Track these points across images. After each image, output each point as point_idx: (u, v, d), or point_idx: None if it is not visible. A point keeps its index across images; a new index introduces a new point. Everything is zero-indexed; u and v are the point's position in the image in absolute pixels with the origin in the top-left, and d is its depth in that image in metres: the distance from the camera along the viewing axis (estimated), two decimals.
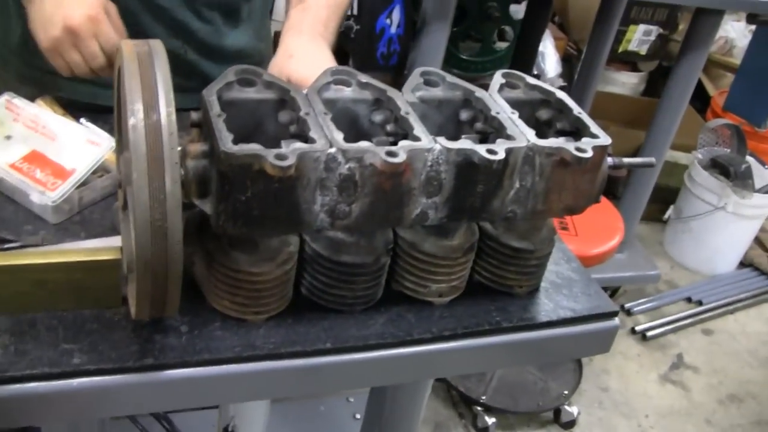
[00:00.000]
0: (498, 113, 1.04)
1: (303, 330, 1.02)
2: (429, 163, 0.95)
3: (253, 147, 0.86)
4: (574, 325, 1.16)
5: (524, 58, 2.80)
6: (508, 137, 1.00)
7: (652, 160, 1.19)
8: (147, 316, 0.88)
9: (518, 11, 3.31)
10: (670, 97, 2.73)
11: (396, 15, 2.10)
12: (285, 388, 1.03)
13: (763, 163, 3.46)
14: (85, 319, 0.97)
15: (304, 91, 1.00)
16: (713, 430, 2.73)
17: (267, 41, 1.60)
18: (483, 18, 3.11)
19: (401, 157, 0.90)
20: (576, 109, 1.10)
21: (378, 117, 1.05)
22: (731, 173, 3.30)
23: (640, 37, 3.87)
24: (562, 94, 1.14)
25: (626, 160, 1.15)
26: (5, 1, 1.40)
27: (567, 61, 4.09)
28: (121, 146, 0.98)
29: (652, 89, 4.41)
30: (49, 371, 0.89)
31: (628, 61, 4.19)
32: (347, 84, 1.05)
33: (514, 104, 1.10)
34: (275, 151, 0.86)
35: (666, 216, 3.67)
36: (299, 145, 0.88)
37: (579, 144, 1.02)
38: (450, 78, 1.11)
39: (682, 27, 3.96)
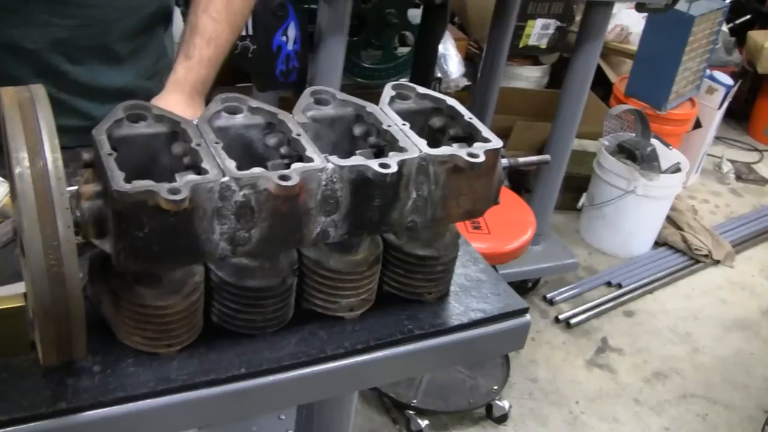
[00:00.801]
0: (389, 126, 1.07)
1: (216, 357, 1.02)
2: (324, 183, 0.96)
3: (145, 183, 0.86)
4: (486, 325, 1.19)
5: (425, 61, 2.84)
6: (401, 149, 1.02)
7: (547, 157, 1.24)
8: (55, 361, 0.87)
9: (417, 16, 3.36)
10: (571, 87, 2.81)
11: (291, 31, 2.11)
12: (203, 418, 1.03)
13: (667, 145, 3.59)
14: None
15: (195, 122, 1.01)
16: (642, 408, 2.82)
17: (159, 79, 1.56)
18: (382, 25, 3.15)
19: (294, 180, 0.92)
20: (467, 114, 1.14)
21: (271, 140, 1.06)
22: (638, 157, 3.41)
23: (539, 31, 3.95)
24: (452, 101, 1.17)
25: (521, 159, 1.19)
26: None
27: (470, 60, 4.16)
28: (13, 193, 0.97)
29: (556, 81, 4.52)
30: None
31: (530, 56, 4.29)
32: (238, 111, 1.06)
33: (406, 115, 1.12)
34: (167, 185, 0.86)
35: (579, 204, 3.77)
36: (191, 177, 0.89)
37: (471, 150, 1.05)
38: (340, 95, 1.13)
39: (579, 18, 4.07)
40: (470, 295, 1.22)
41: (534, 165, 1.25)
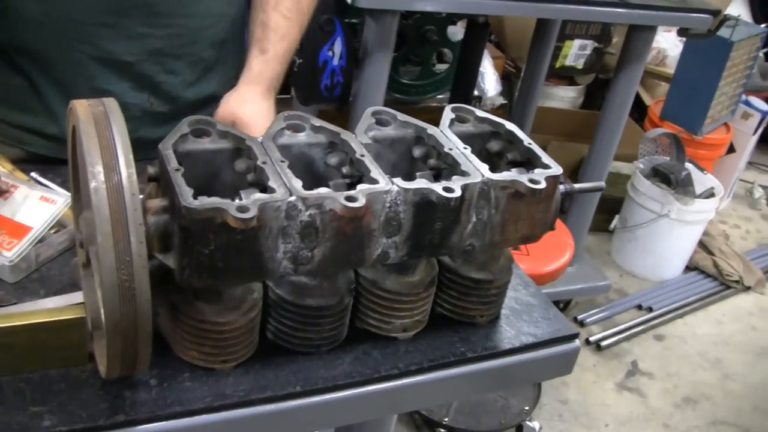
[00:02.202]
0: (451, 149, 1.07)
1: (272, 375, 1.02)
2: (387, 204, 0.96)
3: (215, 201, 0.86)
4: (537, 350, 1.18)
5: (465, 79, 2.85)
6: (463, 173, 1.02)
7: (601, 184, 1.23)
8: (117, 374, 0.87)
9: (456, 33, 3.38)
10: (610, 110, 2.80)
11: (338, 47, 2.12)
12: None
13: (701, 169, 3.57)
14: (52, 379, 0.96)
15: (259, 139, 1.01)
16: None
17: None
18: (421, 42, 3.16)
19: (361, 202, 0.92)
20: (526, 140, 1.13)
21: (333, 159, 1.06)
22: (672, 181, 3.39)
23: (576, 52, 3.95)
24: (511, 126, 1.17)
25: (577, 186, 1.19)
26: None
27: (506, 78, 4.16)
28: (80, 205, 0.98)
29: (590, 101, 4.51)
30: None
31: (566, 76, 4.28)
32: (301, 129, 1.06)
33: (465, 138, 1.12)
34: (237, 203, 0.87)
35: (612, 226, 3.75)
36: (260, 195, 0.89)
37: (532, 176, 1.05)
38: (401, 116, 1.13)
39: (616, 40, 4.07)
40: (521, 319, 1.22)
41: (589, 191, 1.24)
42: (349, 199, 0.92)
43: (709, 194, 3.49)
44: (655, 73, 4.22)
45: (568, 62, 4.03)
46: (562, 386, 2.86)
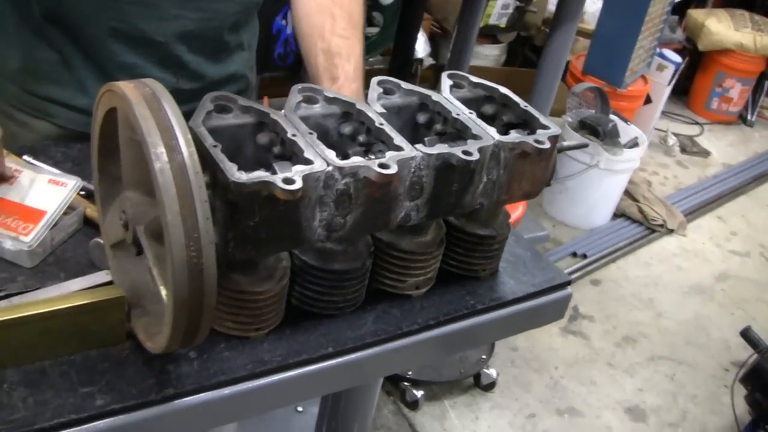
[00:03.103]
0: (458, 115, 1.12)
1: (303, 339, 1.07)
2: (412, 170, 1.01)
3: (261, 174, 0.89)
4: (537, 298, 1.26)
5: (406, 42, 2.88)
6: (474, 137, 1.08)
7: (586, 142, 1.31)
8: (175, 349, 0.90)
9: None
10: (547, 68, 2.90)
11: (291, 15, 2.12)
12: (297, 396, 1.08)
13: (625, 121, 3.72)
14: (94, 360, 0.97)
15: (282, 112, 1.04)
16: (616, 371, 2.95)
17: (253, 71, 1.63)
18: None
19: (394, 168, 0.96)
20: (522, 102, 1.20)
21: (347, 129, 1.10)
22: (600, 133, 3.53)
23: (498, 11, 4.04)
24: (505, 90, 1.22)
25: (565, 144, 1.26)
26: (4, 28, 1.38)
27: (432, 40, 4.22)
28: (111, 188, 0.99)
29: (512, 59, 4.62)
30: (77, 417, 0.90)
31: (489, 35, 4.37)
32: (314, 101, 1.10)
33: (464, 103, 1.18)
34: (282, 175, 0.90)
35: None
36: (301, 167, 0.92)
37: (537, 137, 1.11)
38: (405, 85, 1.17)
39: None
40: (518, 270, 1.29)
41: (575, 148, 1.32)
42: (383, 166, 0.96)
43: (634, 144, 3.65)
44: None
45: (492, 21, 4.12)
46: None
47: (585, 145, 1.31)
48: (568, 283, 1.31)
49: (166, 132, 0.81)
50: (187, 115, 0.88)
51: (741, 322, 3.22)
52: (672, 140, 4.78)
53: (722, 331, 3.29)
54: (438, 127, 1.15)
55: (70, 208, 1.17)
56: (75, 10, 1.34)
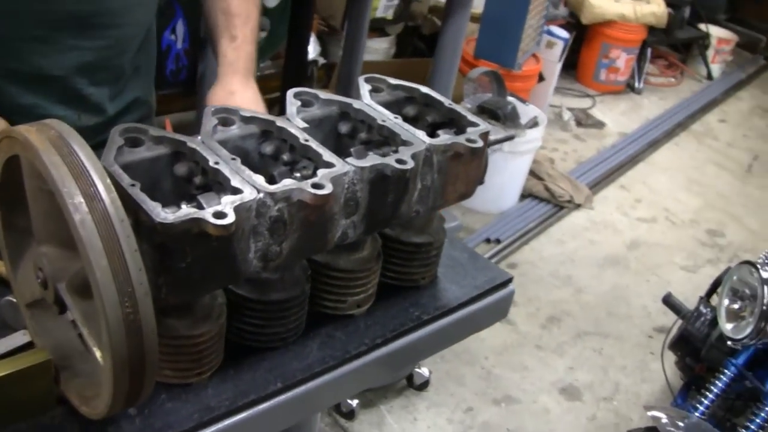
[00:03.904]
0: (384, 121, 1.07)
1: (248, 377, 1.00)
2: (346, 186, 0.96)
3: (189, 211, 0.82)
4: (481, 300, 1.23)
5: (299, 45, 2.81)
6: (405, 143, 1.03)
7: (513, 134, 1.28)
8: (121, 409, 0.82)
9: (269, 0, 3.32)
10: (443, 57, 2.87)
11: (180, 29, 2.03)
12: None
13: (523, 101, 3.75)
14: None
15: (198, 138, 0.96)
16: (545, 353, 2.97)
17: (152, 94, 1.58)
18: None
19: (329, 188, 0.90)
20: (446, 101, 1.16)
21: (268, 149, 1.03)
22: (500, 116, 3.53)
23: (385, 3, 4.01)
24: (426, 89, 1.18)
25: (492, 138, 1.23)
26: None
27: (320, 38, 4.15)
28: (19, 245, 0.90)
29: (402, 50, 4.59)
30: None
31: (377, 28, 4.32)
32: (231, 122, 1.03)
33: (385, 107, 1.12)
34: (211, 209, 0.83)
35: None
36: (231, 197, 0.86)
37: (468, 135, 1.08)
38: (323, 95, 1.12)
39: None
40: (458, 274, 1.26)
41: (502, 141, 1.29)
42: (316, 186, 0.90)
43: (534, 123, 3.68)
44: None
45: (378, 14, 4.07)
46: None
47: (511, 137, 1.28)
48: (510, 280, 1.28)
49: (81, 178, 0.73)
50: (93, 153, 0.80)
51: (657, 288, 3.30)
52: (567, 115, 4.86)
53: (641, 299, 3.36)
54: (363, 135, 1.10)
55: None
56: None
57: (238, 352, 1.02)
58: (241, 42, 1.44)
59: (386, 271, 1.17)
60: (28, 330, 0.94)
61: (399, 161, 0.98)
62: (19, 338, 0.98)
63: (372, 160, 0.98)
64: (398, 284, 1.19)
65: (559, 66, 4.42)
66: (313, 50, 3.78)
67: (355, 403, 2.48)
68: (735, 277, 2.06)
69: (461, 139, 1.06)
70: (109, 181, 0.74)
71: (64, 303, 0.83)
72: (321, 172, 0.93)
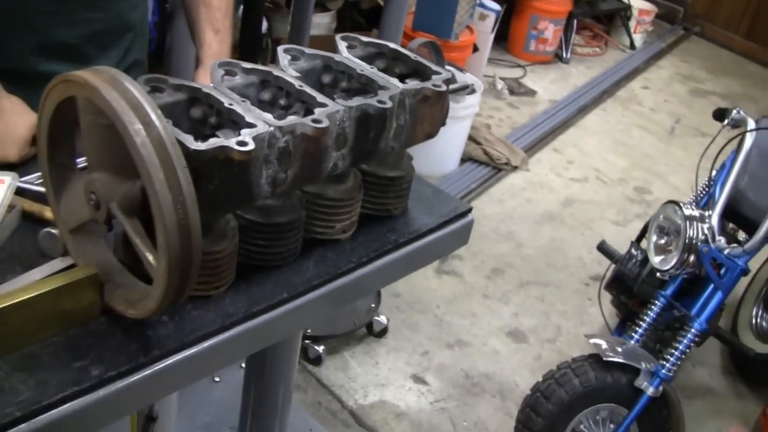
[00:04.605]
0: (363, 71, 1.25)
1: (258, 290, 1.17)
2: (338, 122, 1.13)
3: (217, 141, 0.99)
4: (447, 226, 1.43)
5: (254, 20, 2.96)
6: (382, 87, 1.21)
7: (471, 85, 1.48)
8: (164, 311, 0.99)
9: None
10: (388, 30, 3.04)
11: (150, 2, 2.16)
12: (264, 340, 1.19)
13: (461, 70, 3.94)
14: (77, 338, 1.04)
15: (210, 85, 1.13)
16: (491, 301, 3.20)
17: (145, 53, 1.70)
18: None
19: (326, 122, 1.08)
20: (411, 55, 1.34)
21: (266, 95, 1.20)
22: None
23: None
24: (394, 45, 1.37)
25: (452, 86, 1.42)
26: None
27: (266, 16, 4.28)
28: (68, 175, 1.05)
29: (343, 25, 4.75)
30: (78, 389, 0.97)
31: (318, 3, 4.47)
32: (233, 73, 1.19)
33: (361, 60, 1.31)
34: (235, 139, 1.00)
35: None
36: (249, 130, 1.03)
37: (433, 81, 1.27)
38: (308, 50, 1.29)
39: None
40: (425, 206, 1.45)
41: (460, 90, 1.48)
42: (315, 121, 1.08)
43: (471, 90, 3.88)
44: None
45: None
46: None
47: (466, 87, 1.48)
48: (470, 210, 1.48)
49: (137, 109, 0.89)
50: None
51: (591, 241, 3.55)
52: (500, 84, 5.09)
53: (577, 251, 3.61)
54: (344, 84, 1.28)
55: (10, 206, 1.21)
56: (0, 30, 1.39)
57: (247, 271, 1.19)
58: (224, 35, 1.59)
59: (365, 202, 1.35)
60: (71, 253, 1.10)
61: (380, 101, 1.17)
62: (58, 264, 1.13)
63: (358, 101, 1.16)
64: (376, 214, 1.37)
65: (491, 37, 4.63)
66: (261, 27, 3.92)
67: (321, 349, 2.67)
68: (662, 216, 2.30)
69: (428, 84, 1.25)
70: (159, 111, 0.90)
71: (111, 222, 0.99)
72: (317, 110, 1.11)
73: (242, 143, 1.00)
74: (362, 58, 1.33)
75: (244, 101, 1.10)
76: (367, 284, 1.31)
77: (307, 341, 2.67)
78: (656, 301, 2.30)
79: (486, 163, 4.15)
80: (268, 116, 1.07)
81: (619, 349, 2.21)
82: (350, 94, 1.26)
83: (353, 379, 2.68)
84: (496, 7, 4.60)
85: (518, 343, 3.01)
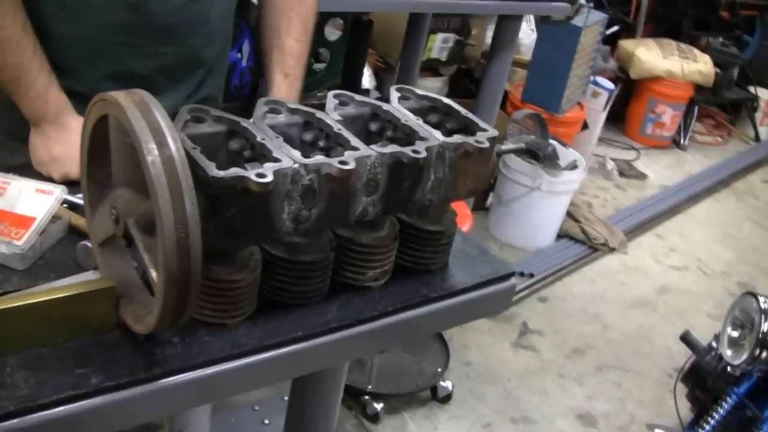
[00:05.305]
0: (407, 121, 1.26)
1: (275, 324, 1.18)
2: (368, 167, 1.14)
3: (236, 170, 1.02)
4: (484, 288, 1.39)
5: (353, 75, 3.04)
6: (422, 139, 1.22)
7: (522, 146, 1.46)
8: (164, 328, 1.01)
9: (330, 33, 3.57)
10: (485, 96, 3.08)
11: (246, 48, 2.26)
12: (271, 376, 1.19)
13: (564, 145, 3.92)
14: (87, 346, 1.07)
15: (251, 121, 1.17)
16: (566, 380, 3.10)
17: (221, 92, 1.78)
18: None
19: (352, 165, 1.09)
20: (463, 111, 1.34)
21: (308, 136, 1.23)
22: (540, 156, 3.70)
23: (439, 45, 4.24)
24: (447, 100, 1.37)
25: (503, 147, 1.41)
26: None
27: (376, 74, 4.39)
28: (100, 191, 1.10)
29: (453, 90, 4.81)
30: (74, 393, 0.99)
31: (431, 68, 4.55)
32: (279, 112, 1.23)
33: (411, 112, 1.32)
34: (255, 171, 1.02)
35: (488, 203, 4.05)
36: (271, 164, 1.05)
37: (476, 137, 1.26)
38: (358, 97, 1.31)
39: (475, 32, 4.39)
40: (466, 264, 1.43)
41: (514, 152, 1.46)
42: (342, 162, 1.09)
43: (573, 166, 3.84)
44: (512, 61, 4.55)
45: (433, 55, 4.31)
46: (464, 350, 3.11)
47: (522, 148, 1.46)
48: (512, 274, 1.44)
49: (155, 131, 0.93)
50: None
51: (682, 331, 3.39)
52: (610, 165, 5.01)
53: (665, 340, 3.47)
54: (389, 133, 1.29)
55: (56, 217, 1.27)
56: (67, 53, 1.46)
57: (269, 306, 1.20)
58: (293, 79, 1.64)
59: (403, 254, 1.35)
60: (98, 265, 1.14)
61: (414, 151, 1.17)
62: (89, 276, 1.17)
63: (392, 148, 1.17)
64: (413, 267, 1.36)
65: (603, 115, 4.58)
66: (368, 82, 4.02)
67: (380, 407, 2.64)
68: (738, 308, 2.19)
69: (470, 139, 1.24)
70: (176, 135, 0.94)
71: (131, 236, 1.03)
72: (347, 153, 1.12)
73: (261, 175, 1.02)
74: (415, 110, 1.34)
75: (277, 137, 1.13)
76: (389, 335, 1.30)
77: (366, 397, 2.66)
78: (728, 398, 2.17)
79: (582, 242, 4.06)
80: (297, 154, 1.09)
81: None
82: (395, 143, 1.27)
83: None
84: (610, 85, 4.55)
85: (587, 427, 2.89)
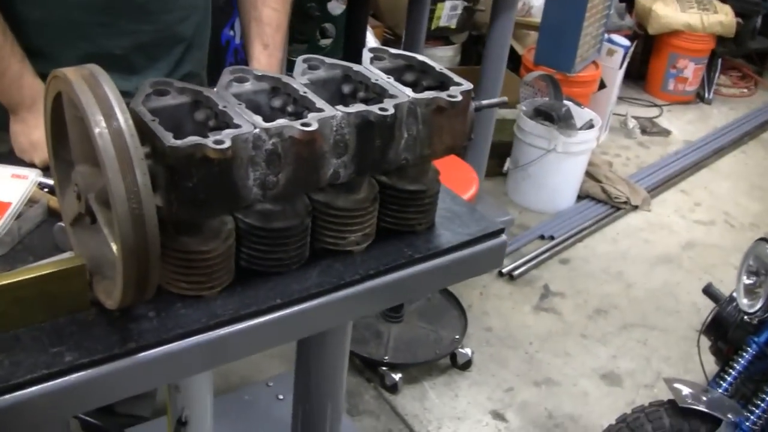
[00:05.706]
0: (377, 80, 1.24)
1: (252, 293, 1.17)
2: (334, 128, 1.12)
3: (193, 138, 1.00)
4: (471, 246, 1.37)
5: (354, 51, 3.00)
6: (392, 96, 1.19)
7: (504, 99, 1.43)
8: (130, 301, 1.00)
9: (335, 7, 3.54)
10: (490, 62, 3.02)
11: (238, 26, 2.24)
12: (250, 347, 1.18)
13: (579, 104, 3.85)
14: (62, 326, 1.07)
15: (215, 89, 1.15)
16: (589, 341, 3.06)
17: (205, 69, 1.76)
18: (305, 19, 3.31)
19: (314, 126, 1.08)
20: (438, 66, 1.31)
21: (277, 102, 1.21)
22: (554, 117, 3.66)
23: (447, 13, 4.18)
24: (422, 58, 1.34)
25: (484, 102, 1.38)
26: None
27: (385, 45, 4.35)
28: (65, 167, 1.10)
29: (467, 58, 4.75)
30: (48, 372, 1.00)
31: (441, 36, 4.50)
32: (245, 80, 1.21)
33: (385, 72, 1.29)
34: (212, 137, 1.01)
35: (505, 168, 4.00)
36: (230, 130, 1.04)
37: (449, 92, 1.23)
38: (328, 60, 1.29)
39: None
40: (453, 223, 1.40)
41: (494, 106, 1.43)
42: (304, 125, 1.08)
43: (589, 126, 3.78)
44: (523, 24, 4.48)
45: (442, 23, 4.25)
46: (484, 316, 3.09)
47: (503, 102, 1.43)
48: (502, 230, 1.42)
49: (103, 102, 0.92)
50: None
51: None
52: (632, 123, 4.91)
53: (691, 296, 3.40)
54: (362, 94, 1.27)
55: (34, 201, 1.27)
56: (39, 36, 1.45)
57: (247, 275, 1.19)
58: (273, 49, 1.62)
59: (385, 216, 1.33)
60: (72, 244, 1.14)
61: (381, 109, 1.15)
62: (66, 257, 1.17)
63: (358, 107, 1.14)
64: (396, 228, 1.34)
65: (620, 73, 4.49)
66: None
67: (398, 377, 2.63)
68: (752, 255, 2.13)
69: (443, 94, 1.22)
70: (125, 106, 0.92)
71: (93, 212, 1.02)
72: (311, 115, 1.10)
73: (219, 141, 1.01)
74: (390, 70, 1.32)
75: (240, 104, 1.11)
76: (374, 299, 1.28)
77: (384, 368, 2.65)
78: (748, 348, 2.12)
79: (604, 202, 4.00)
80: (258, 119, 1.07)
81: (703, 398, 2.05)
82: (369, 103, 1.25)
83: (429, 410, 2.62)
84: (626, 42, 4.45)
85: (611, 386, 2.86)
